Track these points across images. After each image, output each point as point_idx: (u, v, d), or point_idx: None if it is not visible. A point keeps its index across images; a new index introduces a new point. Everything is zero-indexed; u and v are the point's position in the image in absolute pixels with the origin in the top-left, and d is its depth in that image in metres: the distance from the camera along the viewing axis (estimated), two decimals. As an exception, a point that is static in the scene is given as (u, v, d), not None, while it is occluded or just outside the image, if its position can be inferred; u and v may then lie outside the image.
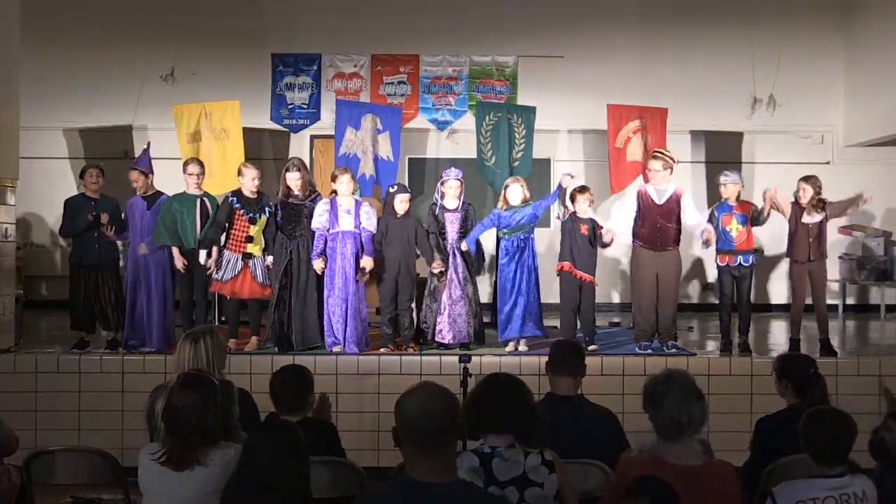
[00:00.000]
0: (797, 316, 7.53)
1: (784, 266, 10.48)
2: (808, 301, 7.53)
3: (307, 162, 11.12)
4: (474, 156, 8.98)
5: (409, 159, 11.10)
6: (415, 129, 10.74)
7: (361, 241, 7.24)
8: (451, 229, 7.48)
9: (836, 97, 11.14)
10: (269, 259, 7.38)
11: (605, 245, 7.57)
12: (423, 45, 10.70)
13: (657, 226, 7.39)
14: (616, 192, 9.59)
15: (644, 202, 7.45)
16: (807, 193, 7.36)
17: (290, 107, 10.55)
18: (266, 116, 10.50)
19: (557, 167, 11.27)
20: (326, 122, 10.35)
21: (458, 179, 7.54)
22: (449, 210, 7.51)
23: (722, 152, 11.26)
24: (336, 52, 10.64)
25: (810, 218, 7.37)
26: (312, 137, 11.12)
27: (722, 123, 11.08)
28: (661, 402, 3.13)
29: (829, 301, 8.13)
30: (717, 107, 10.92)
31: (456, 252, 7.46)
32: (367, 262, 7.17)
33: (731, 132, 11.24)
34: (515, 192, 7.37)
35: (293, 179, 7.37)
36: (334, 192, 7.33)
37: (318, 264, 7.17)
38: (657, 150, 7.87)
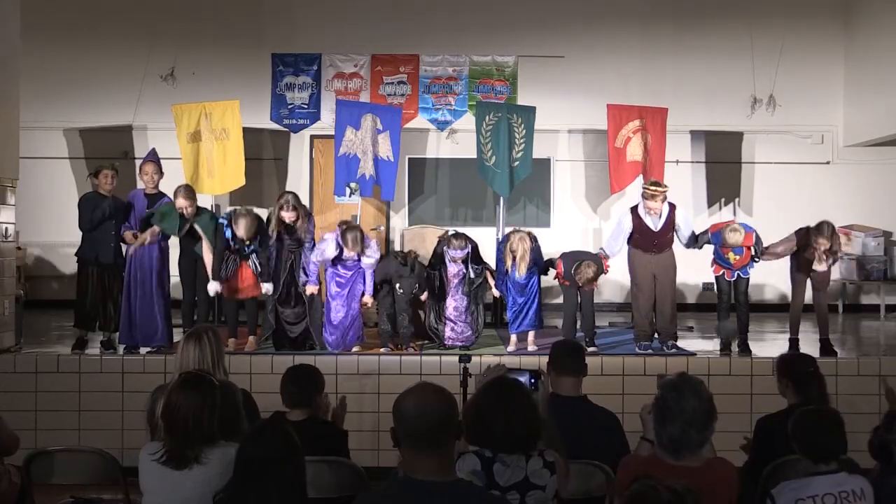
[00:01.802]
0: (797, 315, 7.53)
1: (781, 266, 10.48)
2: (808, 301, 7.54)
3: (307, 162, 11.16)
4: (474, 156, 8.98)
5: (409, 159, 11.11)
6: (415, 129, 10.73)
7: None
8: (456, 270, 7.48)
9: (836, 97, 11.13)
10: (268, 287, 7.32)
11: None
12: (423, 45, 10.69)
13: (654, 242, 7.45)
14: (616, 192, 9.61)
15: (639, 226, 7.44)
16: (822, 246, 7.18)
17: (290, 107, 10.54)
18: (266, 116, 10.50)
19: (557, 167, 11.28)
20: (326, 122, 10.35)
21: (462, 258, 7.44)
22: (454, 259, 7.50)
23: (722, 152, 11.27)
24: (336, 52, 10.62)
25: (821, 266, 7.33)
26: (312, 137, 11.12)
27: (722, 123, 11.07)
28: (665, 422, 3.10)
29: (829, 301, 8.09)
30: (717, 107, 10.92)
31: (459, 262, 7.46)
32: (368, 300, 7.32)
33: (731, 132, 11.24)
34: (521, 257, 7.33)
35: (289, 218, 7.30)
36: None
37: (310, 289, 7.29)
38: (652, 185, 7.52)
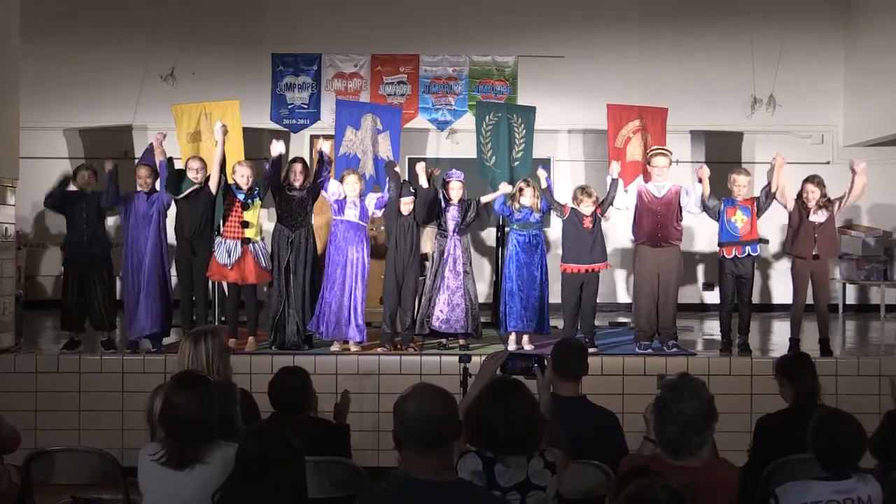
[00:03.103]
0: (798, 315, 7.51)
1: (786, 264, 10.46)
2: (810, 301, 7.53)
3: (307, 162, 11.13)
4: (474, 156, 8.98)
5: (409, 159, 11.08)
6: (415, 129, 10.73)
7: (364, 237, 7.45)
8: (452, 224, 7.51)
9: (836, 97, 11.13)
10: (262, 245, 7.54)
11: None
12: (423, 45, 10.69)
13: (657, 218, 7.43)
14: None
15: (643, 198, 7.49)
16: (814, 196, 7.27)
17: (290, 107, 10.54)
18: (266, 116, 10.50)
19: (557, 167, 11.27)
20: (326, 122, 10.35)
21: (460, 181, 7.59)
22: (450, 203, 7.54)
23: (722, 152, 11.26)
24: (336, 52, 10.63)
25: (817, 217, 7.34)
26: (312, 137, 11.11)
27: (722, 123, 11.07)
28: (665, 423, 3.10)
29: (830, 301, 8.08)
30: (717, 107, 10.92)
31: (457, 243, 7.50)
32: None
33: (731, 132, 11.24)
34: (528, 195, 7.43)
35: (297, 170, 7.44)
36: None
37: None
38: (657, 147, 7.89)
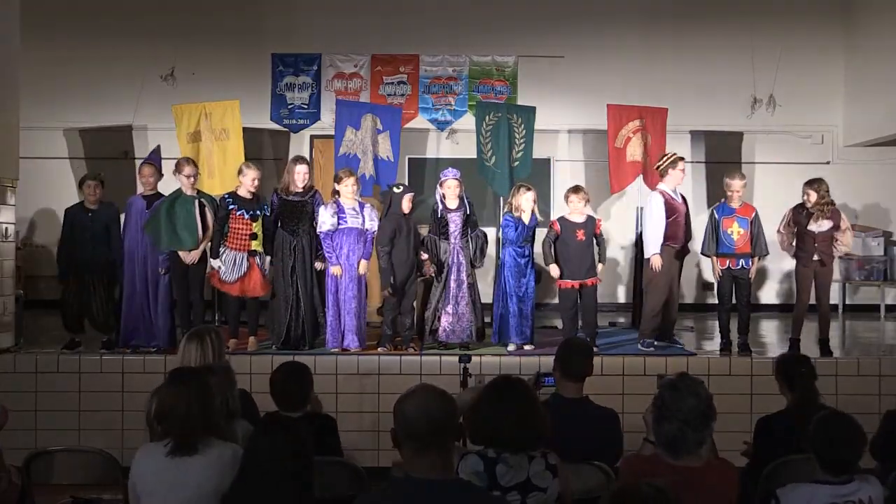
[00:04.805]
0: (800, 316, 7.50)
1: (781, 266, 10.47)
2: (811, 300, 7.54)
3: (310, 164, 11.16)
4: (474, 156, 8.98)
5: (409, 159, 11.10)
6: (415, 129, 10.73)
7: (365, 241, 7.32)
8: (455, 229, 7.46)
9: (836, 97, 11.13)
10: (268, 260, 7.38)
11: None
12: (423, 45, 10.69)
13: (684, 221, 7.54)
14: (616, 192, 9.61)
15: (672, 204, 7.49)
16: (810, 198, 7.28)
17: (290, 107, 10.54)
18: (266, 116, 10.50)
19: (557, 167, 11.28)
20: (326, 122, 10.35)
21: (457, 179, 7.50)
22: (451, 210, 7.50)
23: (722, 152, 11.27)
24: (336, 52, 10.63)
25: (817, 226, 7.32)
26: (312, 137, 11.11)
27: (722, 123, 11.07)
28: (663, 420, 3.10)
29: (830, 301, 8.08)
30: (717, 107, 10.92)
31: (459, 251, 7.45)
32: (363, 266, 7.28)
33: (731, 132, 11.24)
34: (528, 201, 7.32)
35: (302, 171, 7.37)
36: (336, 192, 7.35)
37: (318, 264, 7.31)
38: (674, 154, 7.79)
